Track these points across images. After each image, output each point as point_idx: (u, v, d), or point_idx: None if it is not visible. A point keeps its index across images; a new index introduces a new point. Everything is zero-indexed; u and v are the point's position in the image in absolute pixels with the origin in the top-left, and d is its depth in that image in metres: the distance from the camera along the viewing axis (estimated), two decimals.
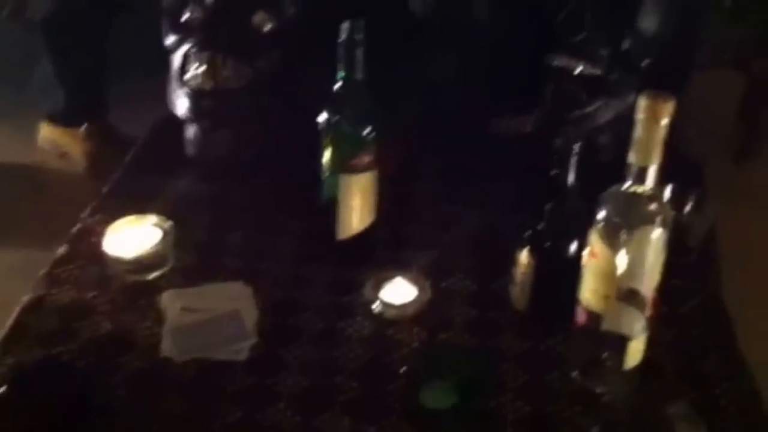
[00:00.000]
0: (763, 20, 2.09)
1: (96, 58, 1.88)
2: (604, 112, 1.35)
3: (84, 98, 1.93)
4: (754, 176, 2.17)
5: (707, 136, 1.83)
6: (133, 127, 1.68)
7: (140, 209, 1.31)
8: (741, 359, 1.19)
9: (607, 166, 1.15)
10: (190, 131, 1.42)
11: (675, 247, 1.31)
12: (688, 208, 1.37)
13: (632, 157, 1.03)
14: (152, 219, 1.29)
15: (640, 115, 1.01)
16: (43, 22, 1.80)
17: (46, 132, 2.00)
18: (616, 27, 1.30)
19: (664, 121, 1.01)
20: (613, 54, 1.31)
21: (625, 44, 1.31)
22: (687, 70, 1.46)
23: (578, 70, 1.31)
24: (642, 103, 1.00)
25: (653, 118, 1.00)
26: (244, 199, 1.39)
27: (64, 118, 1.96)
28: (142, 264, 1.24)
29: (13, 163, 2.01)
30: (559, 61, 1.31)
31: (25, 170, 2.01)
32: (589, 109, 1.34)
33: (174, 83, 1.36)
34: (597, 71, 1.31)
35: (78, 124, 1.96)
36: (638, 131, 1.02)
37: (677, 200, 1.33)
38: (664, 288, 1.23)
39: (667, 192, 1.20)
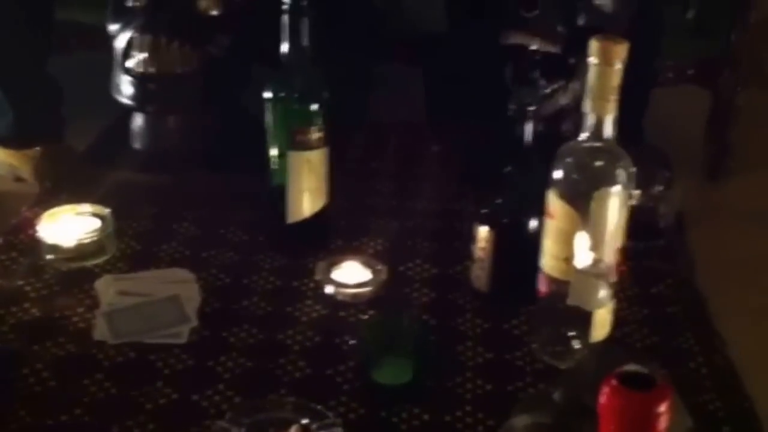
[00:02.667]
0: (725, 35, 2.07)
1: (45, 81, 1.83)
2: (563, 95, 1.31)
3: (35, 119, 1.87)
4: (724, 192, 2.13)
5: (677, 153, 1.79)
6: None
7: (83, 202, 1.24)
8: (716, 335, 1.13)
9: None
10: (136, 122, 1.36)
11: (645, 231, 1.27)
12: (656, 190, 1.32)
13: (587, 107, 0.98)
14: (90, 208, 1.22)
15: (592, 60, 0.96)
16: None
17: None
18: (572, 3, 1.27)
19: (618, 66, 0.96)
20: (569, 32, 1.27)
21: (582, 21, 1.28)
22: (647, 55, 1.42)
23: (534, 47, 1.27)
24: (593, 46, 0.96)
25: (606, 62, 0.95)
26: (191, 189, 1.33)
27: (16, 141, 1.89)
28: (78, 252, 1.17)
29: None
30: (515, 38, 1.27)
31: None
32: (547, 90, 1.30)
33: (117, 70, 1.31)
34: (554, 49, 1.27)
35: (31, 147, 1.90)
36: (592, 78, 0.97)
37: (646, 183, 1.29)
38: (635, 270, 1.18)
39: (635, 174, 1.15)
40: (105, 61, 1.43)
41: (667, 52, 1.95)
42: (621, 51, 0.95)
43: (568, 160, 1.01)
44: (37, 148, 1.90)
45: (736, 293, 1.44)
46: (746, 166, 2.08)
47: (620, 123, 0.99)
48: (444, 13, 1.52)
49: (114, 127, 1.49)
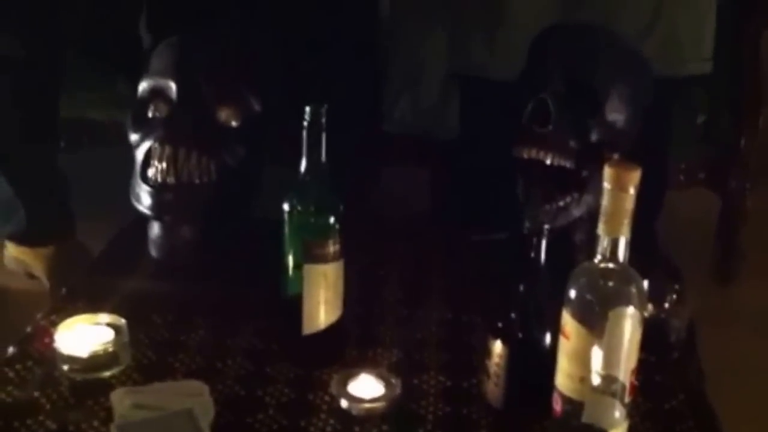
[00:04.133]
0: (734, 140, 2.10)
1: (54, 178, 1.87)
2: (576, 207, 1.33)
3: (47, 216, 1.89)
4: (735, 296, 2.13)
5: (687, 256, 1.81)
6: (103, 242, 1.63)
7: (98, 310, 1.25)
8: None
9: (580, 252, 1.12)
10: (153, 229, 1.38)
11: (656, 345, 1.27)
12: (667, 304, 1.33)
13: (601, 230, 1.00)
14: (106, 318, 1.23)
15: (606, 185, 0.98)
16: None
17: (11, 251, 1.95)
18: (584, 119, 1.29)
19: (632, 191, 0.98)
20: (582, 146, 1.29)
21: (594, 136, 1.30)
22: (658, 168, 1.45)
23: (547, 161, 1.29)
24: (607, 172, 0.98)
25: (620, 187, 0.98)
26: (206, 298, 1.34)
27: (28, 239, 1.91)
28: (93, 363, 1.18)
29: None
30: (528, 153, 1.29)
31: None
32: (560, 203, 1.32)
33: (136, 179, 1.33)
34: (567, 164, 1.29)
35: (43, 244, 1.92)
36: (605, 202, 0.99)
37: (657, 296, 1.29)
38: (647, 384, 1.18)
39: (646, 288, 1.16)
40: (116, 158, 1.45)
41: (677, 156, 1.99)
42: (634, 177, 0.97)
43: (582, 280, 1.02)
44: (50, 247, 1.93)
45: (746, 401, 1.44)
46: (756, 270, 2.09)
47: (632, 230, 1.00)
48: (456, 121, 1.56)
49: (128, 230, 1.51)
